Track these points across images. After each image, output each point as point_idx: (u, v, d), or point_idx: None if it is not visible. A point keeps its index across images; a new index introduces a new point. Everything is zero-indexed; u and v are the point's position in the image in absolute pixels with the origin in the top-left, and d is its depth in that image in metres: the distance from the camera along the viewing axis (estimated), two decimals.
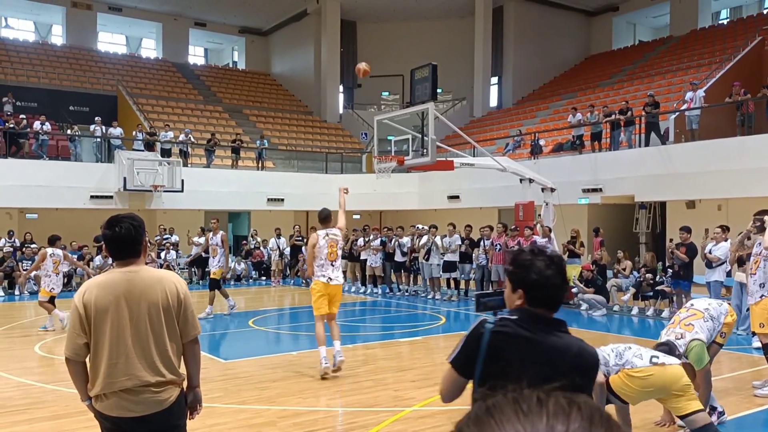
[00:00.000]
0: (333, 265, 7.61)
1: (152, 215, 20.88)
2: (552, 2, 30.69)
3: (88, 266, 17.54)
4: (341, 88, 32.02)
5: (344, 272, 8.04)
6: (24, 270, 15.83)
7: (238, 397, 6.76)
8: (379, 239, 16.79)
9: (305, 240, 19.98)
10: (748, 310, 8.56)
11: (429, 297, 15.66)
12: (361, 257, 16.95)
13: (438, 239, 15.42)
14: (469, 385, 2.35)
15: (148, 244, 3.41)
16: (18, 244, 17.83)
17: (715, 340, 5.70)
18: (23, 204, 18.76)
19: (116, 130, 21.35)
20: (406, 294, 16.38)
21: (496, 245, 14.66)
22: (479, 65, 30.26)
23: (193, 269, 19.46)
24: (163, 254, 18.92)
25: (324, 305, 7.58)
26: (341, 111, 31.76)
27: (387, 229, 17.71)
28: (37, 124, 20.29)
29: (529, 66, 30.54)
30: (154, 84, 29.47)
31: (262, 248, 20.87)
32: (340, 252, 7.77)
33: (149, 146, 21.32)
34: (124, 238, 3.09)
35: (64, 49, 30.13)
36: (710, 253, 11.17)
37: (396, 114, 14.34)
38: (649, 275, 12.93)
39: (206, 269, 13.50)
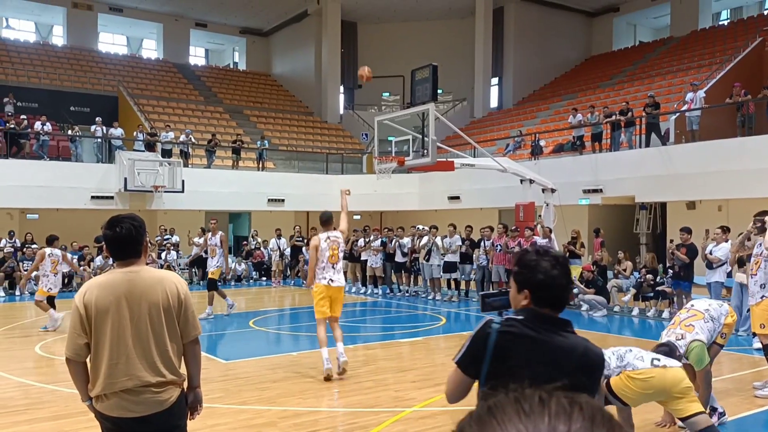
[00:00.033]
0: (334, 268, 7.57)
1: (153, 216, 20.89)
2: (552, 3, 30.71)
3: (89, 266, 17.57)
4: (342, 88, 32.03)
5: (345, 272, 7.97)
6: (25, 270, 15.83)
7: (238, 397, 6.77)
8: (379, 240, 16.79)
9: (305, 240, 20.01)
10: (748, 311, 8.57)
11: (429, 297, 15.65)
12: (362, 258, 16.95)
13: (438, 240, 15.42)
14: (475, 386, 2.35)
15: (149, 245, 3.41)
16: (19, 245, 17.84)
17: (716, 341, 5.70)
18: (24, 204, 18.77)
19: (117, 131, 21.36)
20: (407, 294, 16.38)
21: (496, 246, 14.66)
22: (480, 66, 30.27)
23: (193, 270, 19.47)
24: (163, 255, 18.93)
25: (325, 307, 7.55)
26: (342, 111, 31.78)
27: (387, 230, 17.70)
28: (37, 125, 20.31)
29: (530, 67, 30.55)
30: (154, 84, 29.49)
31: (262, 249, 20.87)
32: (341, 255, 7.73)
33: (150, 147, 21.33)
34: (124, 239, 3.10)
35: (65, 50, 30.15)
36: (711, 253, 11.17)
37: (396, 115, 14.34)
38: (649, 276, 12.93)
39: (206, 270, 13.32)
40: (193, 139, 22.27)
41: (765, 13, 27.43)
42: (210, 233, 13.00)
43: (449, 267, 15.39)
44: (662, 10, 30.27)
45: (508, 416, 0.74)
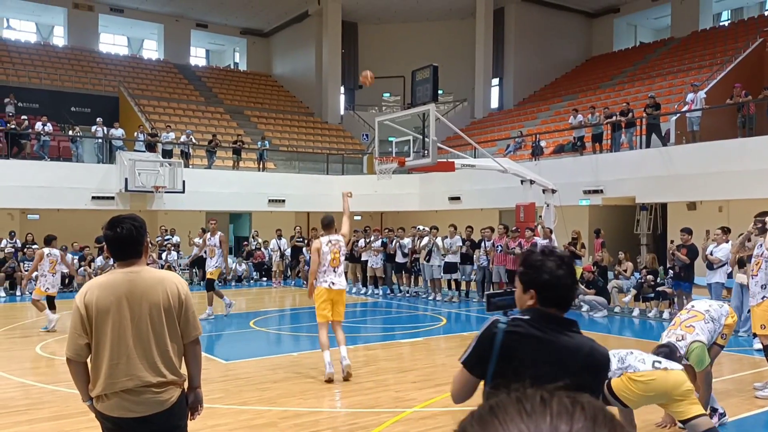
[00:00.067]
0: (335, 272, 7.51)
1: (153, 216, 20.90)
2: (553, 4, 30.71)
3: (90, 267, 17.58)
4: (342, 89, 32.04)
5: (345, 273, 7.93)
6: (25, 271, 15.84)
7: (239, 397, 6.77)
8: (380, 240, 16.79)
9: (306, 241, 20.02)
10: (749, 312, 8.57)
11: (430, 298, 15.65)
12: (362, 258, 16.95)
13: (439, 240, 15.42)
14: (481, 385, 2.36)
15: (150, 245, 3.42)
16: (19, 245, 17.84)
17: (716, 342, 5.70)
18: (25, 205, 18.78)
19: (118, 131, 21.38)
20: (407, 295, 16.37)
21: (497, 246, 14.66)
22: (480, 66, 30.27)
23: (193, 270, 19.47)
24: (164, 255, 18.94)
25: (327, 311, 7.48)
26: (342, 112, 31.78)
27: (388, 230, 17.70)
28: (38, 125, 20.32)
29: (530, 67, 30.56)
30: (155, 85, 29.51)
31: (263, 249, 20.88)
32: (343, 258, 7.67)
33: (150, 147, 21.34)
34: (125, 239, 3.10)
35: (66, 50, 30.17)
36: (711, 254, 11.17)
37: (397, 115, 14.35)
38: (650, 277, 12.92)
39: (206, 270, 13.10)
40: (193, 140, 22.28)
41: (765, 13, 27.41)
42: (209, 233, 12.92)
43: (450, 267, 15.39)
44: (663, 11, 30.28)
45: (510, 416, 0.74)
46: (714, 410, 5.68)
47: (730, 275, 11.34)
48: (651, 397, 4.55)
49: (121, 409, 3.02)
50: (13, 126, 19.72)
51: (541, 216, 14.86)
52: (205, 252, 13.02)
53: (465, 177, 19.21)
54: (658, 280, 12.94)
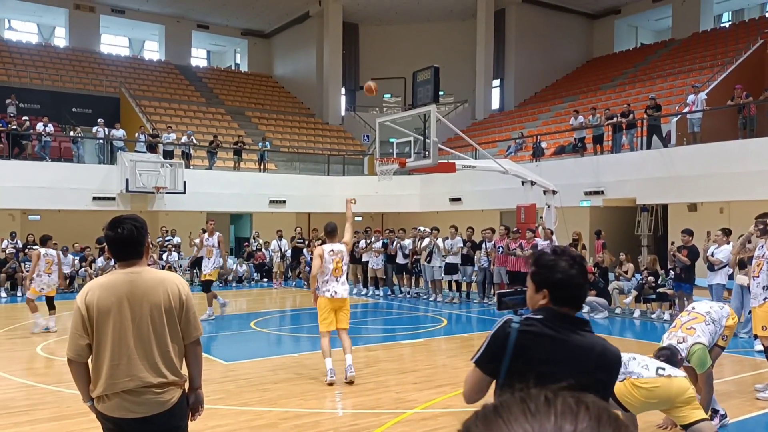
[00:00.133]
0: (338, 281, 7.45)
1: (154, 217, 20.92)
2: (554, 5, 30.71)
3: (90, 267, 17.59)
4: (343, 90, 32.06)
5: (346, 274, 7.87)
6: (26, 271, 15.84)
7: (239, 398, 6.77)
8: (380, 241, 16.79)
9: (306, 242, 20.04)
10: (749, 313, 8.56)
11: (430, 299, 15.65)
12: (363, 259, 16.95)
13: (440, 241, 15.43)
14: (492, 385, 2.36)
15: (150, 246, 3.42)
16: (20, 246, 17.86)
17: (717, 343, 5.69)
18: (26, 205, 18.80)
19: (119, 132, 21.40)
20: (408, 296, 16.37)
21: (498, 247, 14.66)
22: (481, 68, 30.28)
23: (194, 271, 19.46)
24: (164, 256, 18.95)
25: (330, 319, 7.40)
26: (343, 113, 31.79)
27: (389, 231, 17.70)
28: (39, 126, 20.34)
29: (531, 68, 30.56)
30: (156, 86, 29.53)
31: (263, 250, 20.88)
32: (345, 268, 7.59)
33: (151, 148, 21.35)
34: (126, 239, 3.10)
35: (67, 51, 30.20)
36: (712, 255, 11.17)
37: (398, 116, 14.35)
38: (651, 278, 12.92)
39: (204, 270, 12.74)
40: (194, 141, 22.30)
41: (766, 15, 27.42)
42: (206, 234, 12.76)
43: (450, 268, 15.38)
44: (663, 12, 30.28)
45: (514, 416, 0.74)
46: (715, 411, 5.68)
47: (731, 276, 11.33)
48: (654, 403, 4.54)
49: (121, 410, 3.02)
50: (14, 127, 19.74)
51: (541, 217, 14.86)
52: (203, 252, 12.85)
53: (466, 178, 19.21)
54: (659, 281, 12.93)
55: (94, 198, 18.91)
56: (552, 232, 13.97)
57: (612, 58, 30.85)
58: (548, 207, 14.55)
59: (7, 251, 17.15)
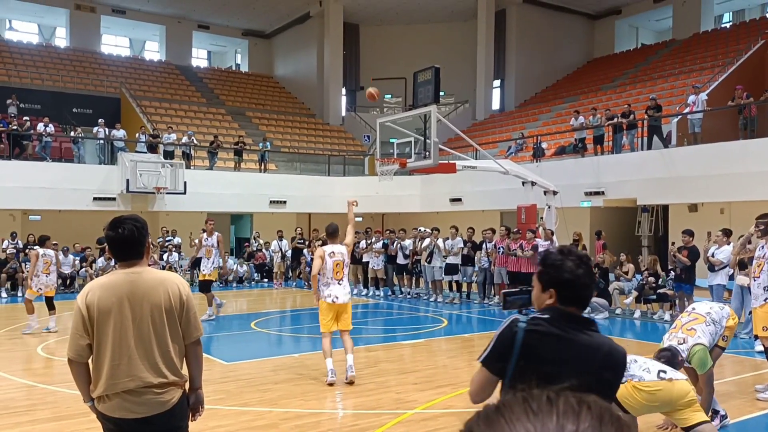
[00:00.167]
0: (340, 284, 7.45)
1: (155, 217, 20.92)
2: (555, 5, 30.72)
3: (91, 268, 17.60)
4: (344, 90, 32.06)
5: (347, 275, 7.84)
6: (27, 272, 15.84)
7: (240, 399, 6.77)
8: (381, 242, 16.80)
9: (306, 243, 20.04)
10: (750, 313, 8.56)
11: (431, 299, 15.65)
12: (364, 260, 16.95)
13: (440, 242, 15.42)
14: (498, 385, 2.37)
15: (151, 246, 3.42)
16: (21, 246, 17.86)
17: (718, 344, 5.69)
18: (26, 205, 18.81)
19: (119, 132, 21.41)
20: (408, 296, 16.37)
21: (498, 248, 14.67)
22: (482, 68, 30.28)
23: (194, 271, 19.46)
24: (165, 256, 18.95)
25: (330, 321, 7.42)
26: (344, 113, 31.79)
27: (389, 232, 17.70)
28: (40, 126, 20.35)
29: (532, 69, 30.57)
30: (157, 86, 29.55)
31: (264, 250, 20.89)
32: (346, 270, 7.58)
33: (152, 148, 21.37)
34: (127, 240, 3.10)
35: (68, 52, 30.22)
36: (713, 256, 11.17)
37: (398, 117, 14.36)
38: (651, 278, 12.92)
39: (203, 270, 12.54)
40: (195, 141, 22.31)
41: (767, 15, 27.40)
42: (205, 233, 12.62)
43: (451, 269, 15.38)
44: (664, 13, 30.27)
45: (516, 415, 0.74)
46: (716, 412, 5.67)
47: (731, 277, 11.33)
48: (655, 406, 4.54)
49: (122, 410, 3.02)
50: (15, 127, 19.75)
51: (542, 217, 14.86)
52: (202, 252, 12.68)
53: (466, 178, 19.21)
54: (660, 282, 12.93)
55: (95, 198, 18.92)
56: (552, 233, 13.97)
57: (613, 58, 30.85)
58: (549, 207, 14.55)
59: (7, 251, 17.15)
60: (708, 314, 5.58)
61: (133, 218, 3.16)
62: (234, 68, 37.50)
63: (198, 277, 13.09)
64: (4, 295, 16.43)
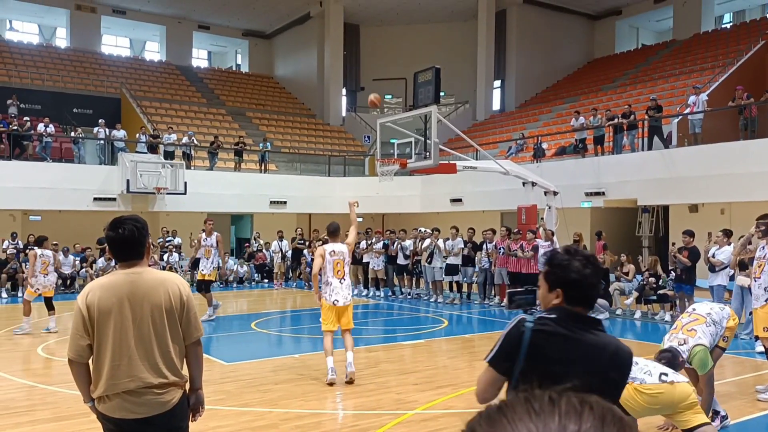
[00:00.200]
0: (341, 283, 7.48)
1: (155, 217, 20.93)
2: (555, 6, 30.72)
3: (91, 268, 17.60)
4: (344, 91, 32.07)
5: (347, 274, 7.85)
6: (27, 272, 15.85)
7: (240, 399, 6.77)
8: (381, 242, 16.79)
9: (307, 243, 20.04)
10: (750, 314, 8.55)
11: (431, 300, 15.65)
12: (364, 260, 16.95)
13: (440, 242, 15.42)
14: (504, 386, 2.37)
15: (151, 246, 3.42)
16: (21, 246, 17.87)
17: (718, 345, 5.69)
18: (26, 206, 18.82)
19: (119, 133, 21.42)
20: (409, 297, 16.37)
21: (499, 248, 14.67)
22: (482, 69, 30.29)
23: (195, 271, 19.45)
24: (165, 256, 18.95)
25: (332, 321, 7.47)
26: (344, 114, 31.80)
27: (389, 232, 17.70)
28: (40, 126, 20.36)
29: (532, 69, 30.57)
30: (157, 87, 29.56)
31: (264, 251, 20.89)
32: (347, 269, 7.62)
33: (152, 149, 21.37)
34: (127, 240, 3.10)
35: (68, 52, 30.23)
36: (713, 257, 11.17)
37: (399, 117, 14.35)
38: (652, 279, 12.91)
39: (202, 270, 12.40)
40: (195, 141, 22.31)
41: (767, 16, 27.40)
42: (204, 233, 12.52)
43: (451, 269, 15.38)
44: (665, 13, 30.28)
45: (518, 415, 0.74)
46: (716, 413, 5.67)
47: (732, 278, 11.33)
48: (656, 409, 4.54)
49: (122, 410, 3.02)
50: (15, 127, 19.75)
51: (542, 218, 14.85)
52: (201, 252, 12.54)
53: (467, 179, 19.21)
54: (660, 282, 12.92)
55: (95, 198, 18.93)
56: (553, 233, 13.97)
57: (613, 58, 30.85)
58: (549, 208, 14.54)
59: (8, 252, 17.16)
60: (708, 315, 5.57)
61: (133, 218, 3.16)
62: (234, 68, 37.52)
63: (197, 276, 13.06)
64: (4, 295, 16.43)
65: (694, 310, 5.76)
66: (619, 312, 13.38)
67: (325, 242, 7.91)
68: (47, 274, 11.15)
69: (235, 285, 19.72)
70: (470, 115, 30.25)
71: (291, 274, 20.53)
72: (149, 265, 3.28)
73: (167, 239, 19.94)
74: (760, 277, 6.90)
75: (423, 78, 12.67)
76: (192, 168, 21.25)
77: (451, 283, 15.78)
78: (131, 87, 27.86)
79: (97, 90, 27.40)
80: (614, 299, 13.49)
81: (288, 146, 27.25)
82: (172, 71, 32.05)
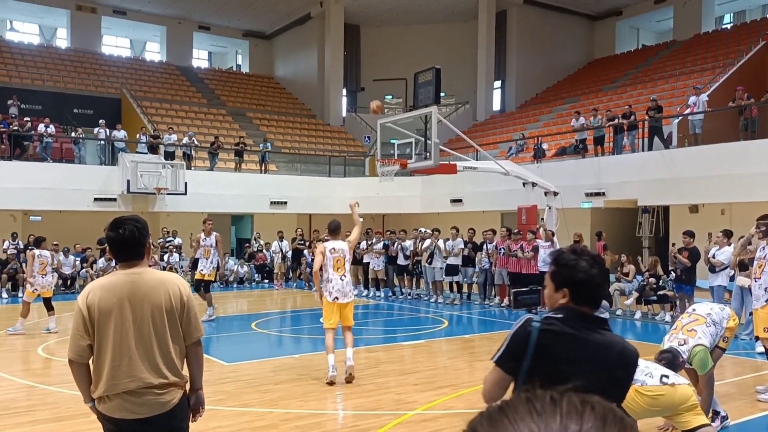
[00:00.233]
0: (342, 280, 7.52)
1: (155, 218, 20.93)
2: (555, 6, 30.71)
3: (92, 268, 17.61)
4: (344, 91, 32.07)
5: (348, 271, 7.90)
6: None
7: (240, 399, 6.77)
8: (381, 242, 16.79)
9: (307, 244, 20.04)
10: (750, 314, 8.55)
11: (431, 300, 15.65)
12: (364, 260, 16.95)
13: (441, 242, 15.42)
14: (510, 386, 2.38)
15: (152, 247, 3.41)
16: (22, 246, 17.87)
17: (718, 345, 5.69)
18: (27, 206, 18.82)
19: (120, 133, 21.43)
20: (409, 297, 16.36)
21: (499, 249, 14.67)
22: (482, 69, 30.28)
23: (194, 272, 19.45)
24: (166, 257, 18.95)
25: (333, 318, 7.53)
26: (344, 114, 31.81)
27: (390, 232, 17.71)
28: (41, 127, 20.36)
29: (533, 70, 30.56)
30: (158, 87, 29.56)
31: (264, 251, 20.89)
32: (348, 266, 7.66)
33: (153, 149, 21.37)
34: (127, 240, 3.10)
35: (69, 52, 30.24)
36: (713, 257, 11.17)
37: (399, 117, 14.36)
38: (652, 279, 12.91)
39: (201, 270, 12.35)
40: (195, 142, 22.31)
41: None
42: (203, 234, 12.48)
43: (451, 270, 15.38)
44: (665, 14, 30.27)
45: (520, 415, 0.74)
46: (716, 413, 5.67)
47: (732, 278, 11.33)
48: (656, 411, 4.55)
49: (122, 411, 3.02)
50: (15, 127, 19.75)
51: (543, 218, 14.85)
52: (200, 253, 12.48)
53: (467, 179, 19.20)
54: (660, 283, 12.92)
55: (96, 199, 18.93)
56: (553, 234, 13.97)
57: (613, 59, 30.85)
58: (549, 208, 14.54)
59: (8, 252, 17.16)
60: (708, 315, 5.58)
61: (133, 219, 3.16)
62: (234, 69, 37.52)
63: (195, 276, 13.02)
64: (4, 295, 16.44)
65: (694, 310, 5.76)
66: (619, 312, 13.37)
67: (326, 242, 7.93)
68: (45, 275, 11.18)
69: (235, 285, 19.72)
70: (470, 115, 30.25)
71: (291, 275, 20.53)
72: (149, 266, 3.28)
73: (167, 239, 19.94)
74: (760, 278, 6.90)
75: (423, 78, 12.67)
76: (192, 168, 21.25)
77: (451, 283, 15.78)
78: (132, 87, 27.86)
79: (98, 90, 27.41)
80: (614, 300, 13.49)
81: (288, 147, 27.25)
82: (173, 72, 32.05)
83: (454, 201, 21.15)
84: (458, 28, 31.33)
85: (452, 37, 31.28)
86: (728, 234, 11.26)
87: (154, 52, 35.57)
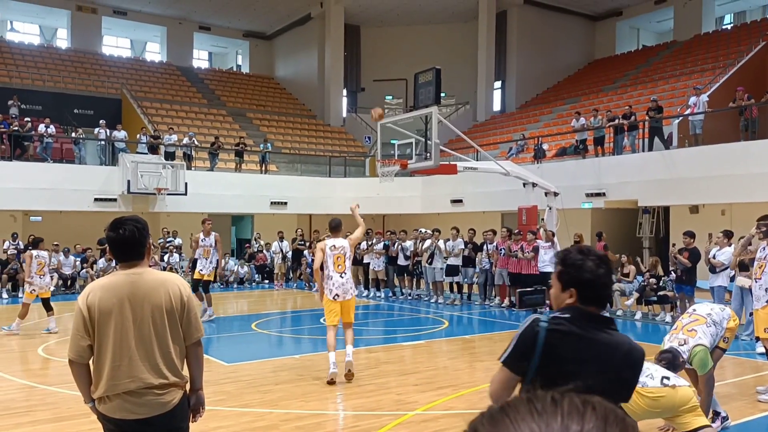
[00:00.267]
0: (342, 277, 7.54)
1: (156, 218, 20.93)
2: (555, 7, 30.71)
3: (92, 269, 17.61)
4: (345, 91, 32.08)
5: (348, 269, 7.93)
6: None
7: (240, 400, 6.77)
8: (382, 243, 16.79)
9: (307, 244, 20.03)
10: (751, 314, 8.55)
11: (432, 301, 15.64)
12: (364, 261, 16.94)
13: (441, 243, 15.42)
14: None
15: (152, 247, 3.41)
16: (22, 247, 17.85)
17: (719, 345, 5.68)
18: (27, 206, 18.82)
19: (120, 134, 21.43)
20: (409, 298, 16.36)
21: (499, 249, 14.66)
22: (483, 69, 30.28)
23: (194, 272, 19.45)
24: (166, 257, 18.96)
25: (334, 316, 7.55)
26: (345, 115, 31.81)
27: (390, 233, 17.71)
28: (41, 127, 20.36)
29: (533, 70, 30.56)
30: (158, 87, 29.57)
31: (265, 251, 20.89)
32: (348, 263, 7.67)
33: (153, 149, 21.38)
34: (127, 240, 3.10)
35: (69, 53, 30.25)
36: (714, 257, 11.16)
37: (399, 118, 14.36)
38: (652, 280, 12.90)
39: (200, 270, 12.34)
40: (196, 142, 22.32)
41: None
42: (202, 234, 12.46)
43: (452, 270, 15.38)
44: (665, 14, 30.27)
45: (521, 415, 0.74)
46: (717, 414, 5.67)
47: (732, 279, 11.32)
48: (657, 412, 4.55)
49: (123, 411, 3.02)
50: (16, 128, 19.76)
51: (543, 219, 14.85)
52: (199, 253, 12.45)
53: (467, 180, 19.21)
54: (660, 283, 12.92)
55: (96, 199, 18.93)
56: (554, 234, 13.97)
57: (614, 59, 30.85)
58: (550, 209, 14.54)
59: (8, 252, 17.16)
60: (709, 315, 5.57)
61: (133, 219, 3.16)
62: (235, 69, 37.52)
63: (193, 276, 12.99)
64: (4, 296, 16.44)
65: (694, 310, 5.76)
66: (619, 313, 13.36)
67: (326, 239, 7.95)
68: (43, 275, 11.20)
69: (235, 286, 19.73)
70: (471, 115, 30.24)
71: (291, 275, 20.53)
72: (150, 266, 3.28)
73: (168, 240, 19.95)
74: (760, 278, 6.90)
75: (423, 79, 12.68)
76: (192, 169, 21.25)
77: (451, 283, 15.78)
78: (132, 88, 27.87)
79: (98, 91, 27.41)
80: (615, 300, 13.48)
81: (288, 147, 27.26)
82: (173, 72, 32.06)
83: (454, 201, 21.15)
84: (458, 28, 31.33)
85: (452, 37, 31.29)
86: (728, 234, 11.26)
87: (155, 53, 35.57)
